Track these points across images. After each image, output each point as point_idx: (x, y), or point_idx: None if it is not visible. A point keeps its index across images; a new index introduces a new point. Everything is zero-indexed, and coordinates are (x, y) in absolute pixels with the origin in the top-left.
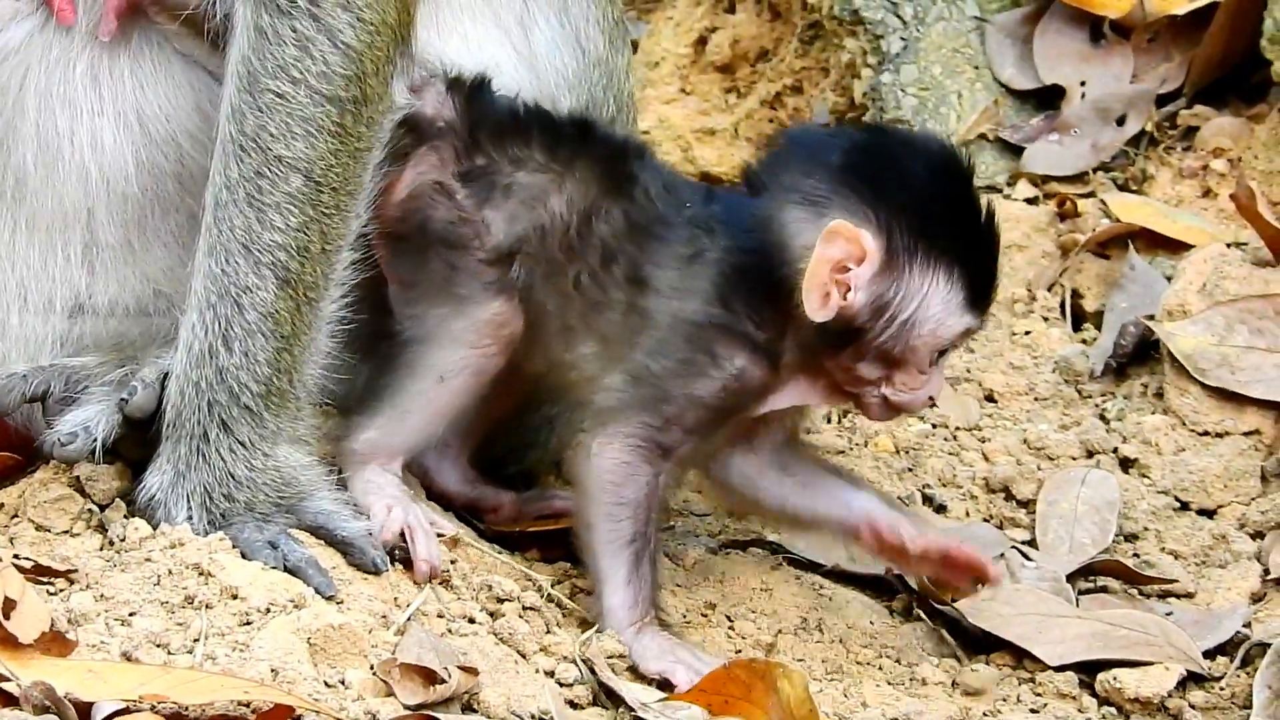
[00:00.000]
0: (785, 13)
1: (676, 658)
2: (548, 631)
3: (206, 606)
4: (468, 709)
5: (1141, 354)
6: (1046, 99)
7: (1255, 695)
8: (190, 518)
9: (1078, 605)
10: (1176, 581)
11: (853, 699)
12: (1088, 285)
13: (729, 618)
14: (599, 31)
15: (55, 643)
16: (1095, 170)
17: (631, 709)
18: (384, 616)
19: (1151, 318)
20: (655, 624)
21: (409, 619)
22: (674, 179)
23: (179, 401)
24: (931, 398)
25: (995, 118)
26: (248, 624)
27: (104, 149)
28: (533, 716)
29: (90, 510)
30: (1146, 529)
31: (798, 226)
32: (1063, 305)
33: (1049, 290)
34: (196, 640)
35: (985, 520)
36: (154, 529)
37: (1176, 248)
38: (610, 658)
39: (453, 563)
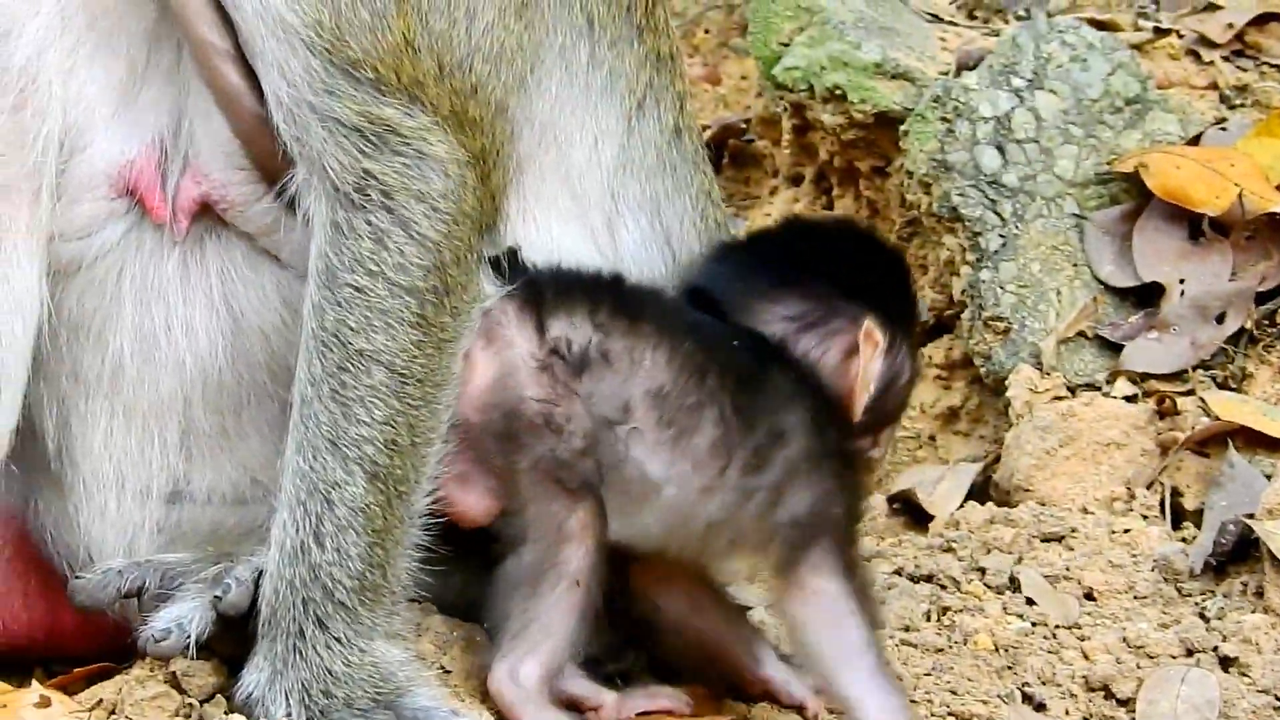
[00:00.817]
0: (883, 209)
1: None
2: None
3: None
4: None
5: (1241, 552)
6: (1145, 296)
7: None
8: (289, 715)
9: None
10: None
11: None
12: (1187, 483)
13: None
14: (694, 233)
15: None
16: (1194, 368)
17: None
18: None
19: (1251, 516)
20: None
21: None
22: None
23: (274, 599)
24: None
25: (1094, 315)
26: None
27: (197, 340)
28: None
29: (190, 705)
30: None
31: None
32: (1162, 503)
33: (1148, 488)
34: None
35: (1085, 719)
36: None
37: (1276, 446)
38: None
39: None
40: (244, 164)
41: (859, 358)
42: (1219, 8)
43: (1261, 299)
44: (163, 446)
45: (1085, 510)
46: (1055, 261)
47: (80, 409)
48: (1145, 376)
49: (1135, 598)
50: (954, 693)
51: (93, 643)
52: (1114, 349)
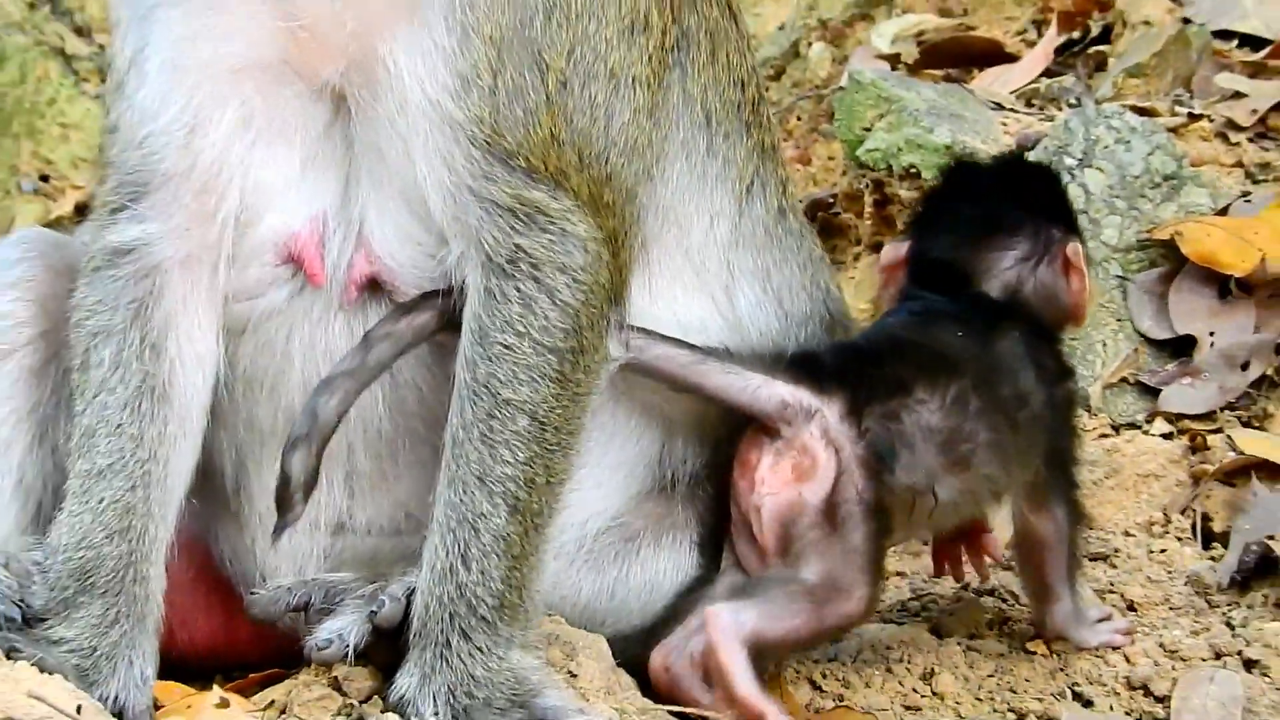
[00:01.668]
0: None
1: None
2: None
3: None
4: None
5: (1263, 569)
6: (1180, 347)
7: None
8: (437, 713)
9: None
10: None
11: None
12: (1216, 510)
13: None
14: (803, 295)
15: None
16: (1222, 409)
17: None
18: None
19: (1272, 538)
20: None
21: None
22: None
23: (424, 614)
24: None
25: (1135, 364)
26: None
27: (361, 395)
28: None
29: (350, 706)
30: None
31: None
32: (1194, 527)
33: (1182, 514)
34: None
35: (1127, 714)
36: None
37: None
38: None
39: None
40: (411, 246)
41: (1074, 275)
42: (1244, 95)
43: None
44: (329, 486)
45: (1127, 533)
46: (1101, 317)
47: (255, 454)
48: (1180, 417)
49: (1171, 608)
50: (1013, 691)
51: (265, 651)
52: (1153, 393)
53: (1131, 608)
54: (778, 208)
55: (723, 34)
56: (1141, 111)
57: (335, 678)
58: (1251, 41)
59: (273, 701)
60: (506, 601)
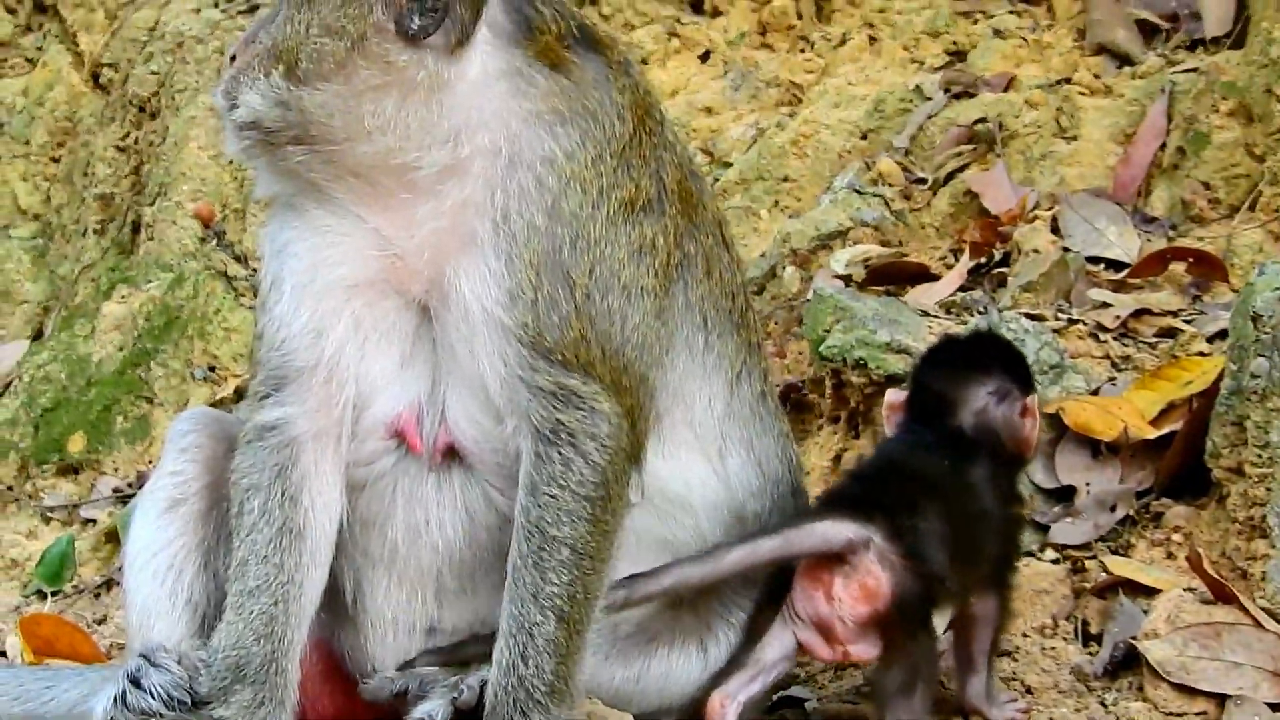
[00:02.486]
0: None
1: None
2: None
3: None
4: None
5: (1128, 662)
6: (1064, 494)
7: None
8: None
9: None
10: None
11: None
12: (1092, 617)
13: None
14: (777, 460)
15: None
16: (1096, 541)
17: None
18: None
19: (1135, 638)
20: None
21: None
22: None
23: (494, 699)
24: None
25: (1032, 507)
26: None
27: (446, 531)
28: None
29: None
30: None
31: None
32: (1076, 630)
33: (1066, 620)
34: None
35: None
36: None
37: (1151, 592)
38: None
39: None
40: (478, 422)
41: (1028, 418)
42: (1110, 305)
43: (1140, 495)
44: (422, 600)
45: (1025, 634)
46: None
47: (369, 576)
48: (1064, 546)
49: (1059, 692)
50: None
51: None
52: (1043, 528)
53: (1029, 691)
54: (760, 391)
55: (716, 258)
56: (1033, 317)
57: None
58: (1115, 265)
59: None
60: (556, 689)
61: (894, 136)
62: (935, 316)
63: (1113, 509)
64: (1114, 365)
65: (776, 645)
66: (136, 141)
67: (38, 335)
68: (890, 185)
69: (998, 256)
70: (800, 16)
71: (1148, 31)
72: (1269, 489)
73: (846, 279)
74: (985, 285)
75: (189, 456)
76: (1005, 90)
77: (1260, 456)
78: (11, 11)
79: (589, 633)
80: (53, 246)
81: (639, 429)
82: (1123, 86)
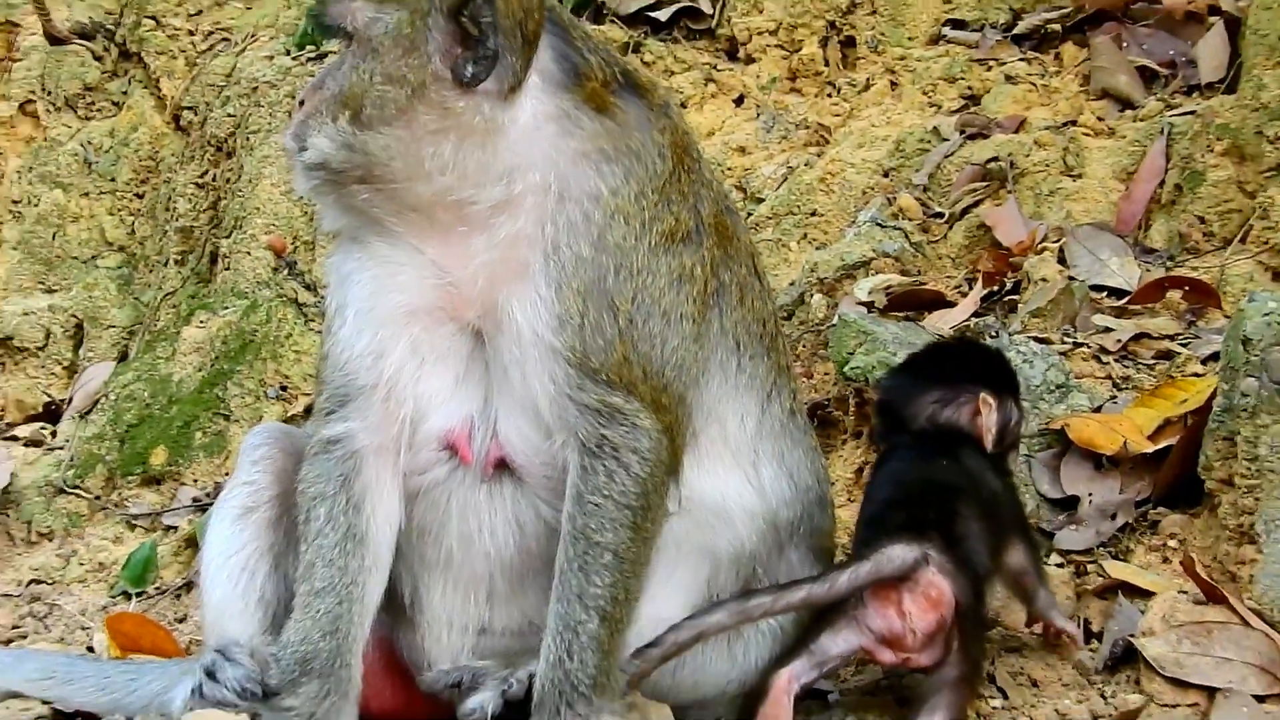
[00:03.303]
0: None
1: None
2: None
3: None
4: None
5: (1126, 658)
6: (1068, 504)
7: None
8: None
9: None
10: None
11: None
12: (1094, 616)
13: None
14: (806, 471)
15: None
16: (1098, 547)
17: None
18: None
19: (1132, 636)
20: None
21: None
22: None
23: (541, 691)
24: None
25: (1037, 515)
26: None
27: (497, 539)
28: None
29: None
30: None
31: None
32: (1079, 628)
33: (1070, 619)
34: None
35: None
36: None
37: (1147, 594)
38: None
39: None
40: (527, 437)
41: (981, 418)
42: (1112, 330)
43: (1138, 505)
44: (475, 602)
45: (1033, 633)
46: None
47: (425, 580)
48: (1068, 552)
49: (1063, 685)
50: None
51: (431, 716)
52: (1049, 535)
53: (1035, 684)
54: (789, 409)
55: (749, 286)
56: (1040, 340)
57: None
58: (1116, 292)
59: None
60: (599, 682)
61: (913, 174)
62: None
63: (1113, 517)
64: (1115, 385)
65: (842, 644)
66: (214, 179)
67: (123, 357)
68: (910, 219)
69: (1009, 285)
70: (827, 63)
71: (1148, 77)
72: (1257, 499)
73: (869, 305)
74: (997, 311)
75: (261, 468)
76: (1016, 131)
77: (1249, 469)
78: (99, 59)
79: (629, 630)
80: (137, 276)
81: (677, 444)
82: (1124, 128)
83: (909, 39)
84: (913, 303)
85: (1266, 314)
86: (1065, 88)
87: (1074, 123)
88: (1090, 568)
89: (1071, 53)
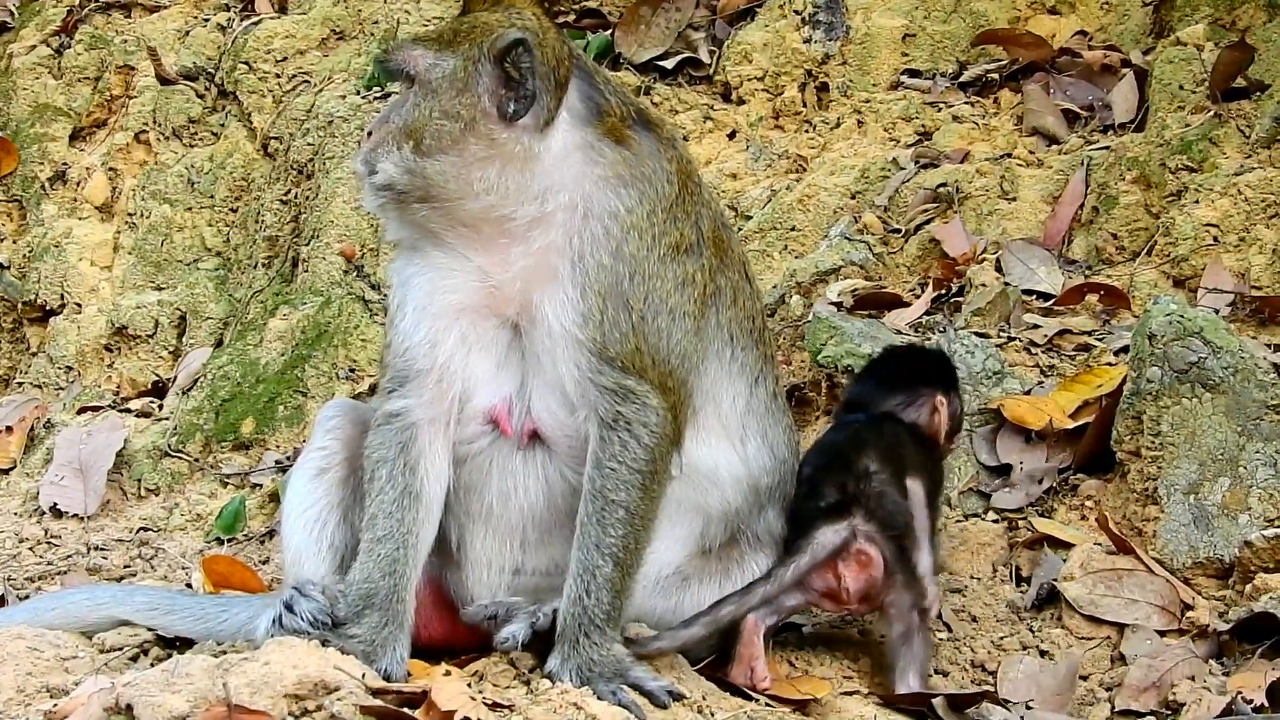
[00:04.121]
0: None
1: None
2: None
3: None
4: None
5: (1051, 599)
6: (1003, 470)
7: None
8: (570, 679)
9: None
10: None
11: None
12: (1023, 564)
13: None
14: (785, 447)
15: None
16: (1027, 506)
17: None
18: None
19: (1055, 580)
20: None
21: None
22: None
23: (564, 623)
24: None
25: (976, 480)
26: None
27: (530, 496)
28: None
29: (521, 674)
30: None
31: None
32: (1010, 574)
33: (1004, 566)
34: None
35: (972, 683)
36: (552, 685)
37: (1068, 546)
38: None
39: None
40: (555, 413)
41: (938, 415)
42: (1039, 327)
43: (1061, 472)
44: (510, 548)
45: (973, 577)
46: (958, 454)
47: (469, 529)
48: (1002, 510)
49: (997, 620)
50: None
51: (472, 643)
52: (986, 496)
53: (974, 619)
54: (773, 393)
55: (740, 290)
56: (980, 335)
57: (511, 659)
58: (1044, 296)
59: (475, 671)
60: (611, 616)
61: (876, 197)
62: (905, 334)
63: (1040, 482)
64: (1042, 372)
65: (793, 600)
66: (295, 197)
67: (219, 344)
68: (872, 234)
69: (954, 289)
70: (805, 105)
71: (1071, 118)
72: (1160, 467)
73: (839, 305)
74: (944, 311)
75: (332, 436)
76: (961, 162)
77: (1154, 443)
78: (201, 97)
79: (637, 574)
80: (230, 276)
81: (679, 419)
82: (1051, 160)
83: (873, 85)
84: (875, 303)
85: (1168, 315)
86: (1002, 126)
87: (1009, 155)
88: (1021, 524)
89: (1007, 97)
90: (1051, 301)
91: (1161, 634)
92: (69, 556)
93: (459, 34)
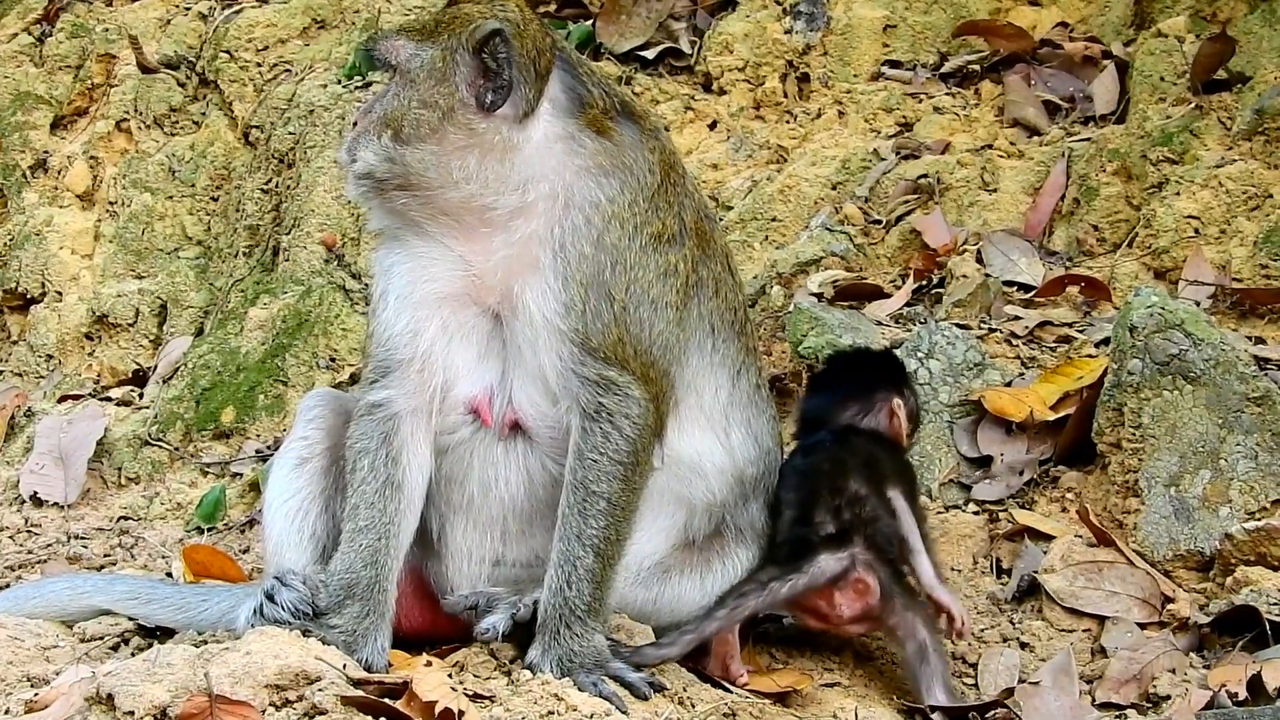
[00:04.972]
0: None
1: None
2: None
3: (560, 714)
4: None
5: (1031, 590)
6: (983, 462)
7: None
8: (551, 670)
9: None
10: None
11: None
12: (1004, 556)
13: None
14: (768, 435)
15: None
16: (1008, 498)
17: None
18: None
19: (1036, 572)
20: None
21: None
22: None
23: (544, 614)
24: None
25: (957, 471)
26: None
27: (511, 487)
28: None
29: (501, 665)
30: None
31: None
32: (992, 565)
33: (985, 558)
34: None
35: (953, 674)
36: (533, 675)
37: (1049, 538)
38: None
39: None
40: (537, 404)
41: (896, 418)
42: (1020, 318)
43: (1042, 463)
44: (491, 539)
45: (953, 569)
46: (938, 444)
47: (450, 520)
48: (983, 502)
49: (978, 612)
50: (885, 661)
51: (453, 633)
52: (967, 488)
53: None
54: (755, 384)
55: (723, 281)
56: (961, 326)
57: (491, 650)
58: (1024, 287)
59: (456, 662)
60: (592, 607)
61: (857, 188)
62: (887, 325)
63: (1021, 473)
64: (1023, 364)
65: (777, 609)
66: (276, 186)
67: (199, 333)
68: (853, 225)
69: (935, 280)
70: (786, 95)
71: (1052, 110)
72: (1140, 459)
73: (819, 296)
74: (925, 302)
75: (314, 425)
76: (942, 153)
77: (1134, 435)
78: (182, 85)
79: (619, 565)
80: (211, 265)
81: (662, 410)
82: (1032, 151)
83: (854, 76)
84: (855, 294)
85: (1149, 306)
86: (983, 117)
87: (990, 146)
88: (1001, 515)
89: (989, 89)
90: (1032, 293)
91: (1142, 626)
92: (49, 545)
93: (440, 24)
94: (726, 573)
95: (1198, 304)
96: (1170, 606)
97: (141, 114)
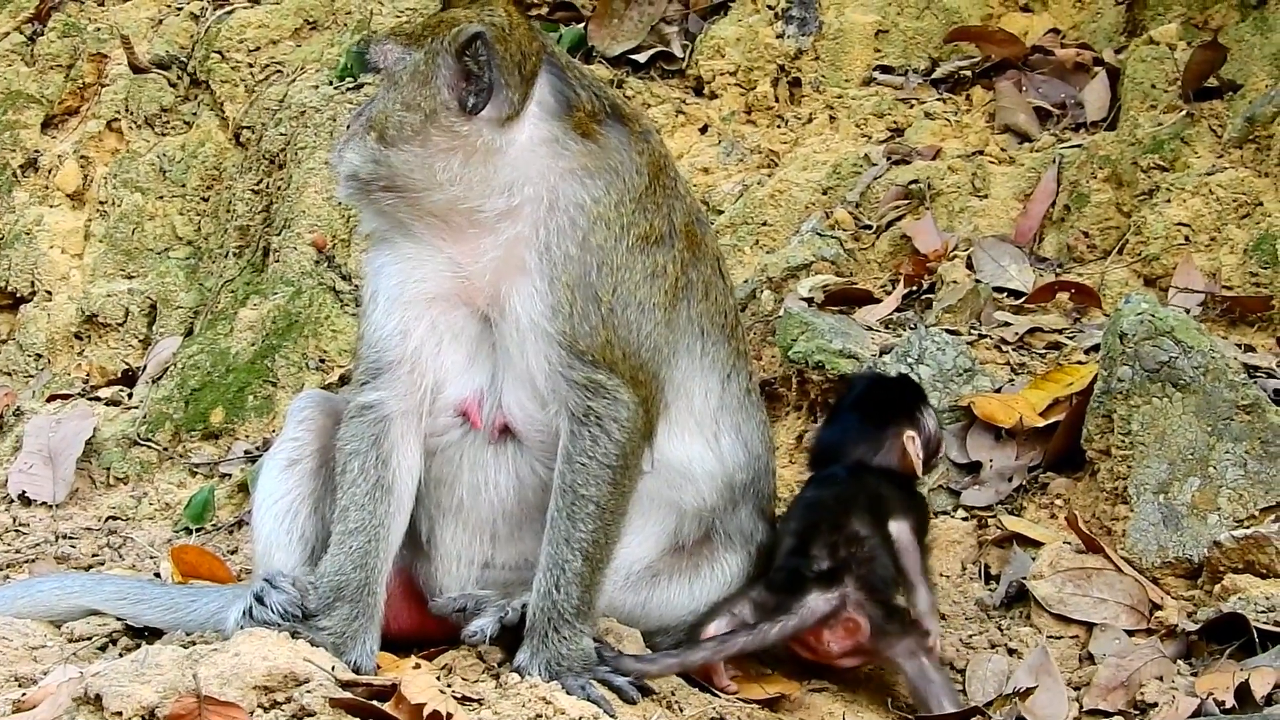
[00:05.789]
0: None
1: None
2: None
3: (548, 718)
4: None
5: (1019, 597)
6: (973, 468)
7: None
8: (539, 673)
9: None
10: None
11: None
12: (993, 562)
13: None
14: (758, 440)
15: None
16: (997, 504)
17: None
18: None
19: (1025, 579)
20: None
21: None
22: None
23: (533, 617)
24: None
25: (946, 477)
26: None
27: (500, 490)
28: None
29: (489, 668)
30: None
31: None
32: (980, 571)
33: (974, 564)
34: None
35: None
36: (521, 679)
37: (1037, 544)
38: None
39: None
40: (526, 407)
41: (908, 455)
42: (1010, 324)
43: (1031, 470)
44: (481, 541)
45: (942, 575)
46: None
47: (440, 522)
48: (971, 508)
49: (966, 618)
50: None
51: (441, 635)
52: (956, 494)
53: (943, 617)
54: (746, 388)
55: (713, 284)
56: (951, 332)
57: (480, 653)
58: (1015, 293)
59: (444, 665)
60: (580, 611)
61: (848, 193)
62: (877, 331)
63: (1010, 479)
64: (1013, 370)
65: (767, 645)
66: (267, 187)
67: (189, 333)
68: (844, 230)
69: (925, 285)
70: (777, 100)
71: (1043, 116)
72: (1130, 466)
73: (810, 300)
74: (915, 307)
75: (304, 427)
76: (933, 159)
77: (1124, 442)
78: (173, 85)
79: (607, 569)
80: (201, 265)
81: (651, 414)
82: (1023, 158)
83: (845, 81)
84: (846, 299)
85: (1139, 313)
86: (974, 123)
87: (981, 152)
88: (990, 521)
89: (980, 94)
90: (1022, 299)
91: (1130, 633)
92: (37, 545)
93: (428, 29)
94: (715, 578)
95: (1188, 311)
96: (1158, 614)
97: (132, 114)
